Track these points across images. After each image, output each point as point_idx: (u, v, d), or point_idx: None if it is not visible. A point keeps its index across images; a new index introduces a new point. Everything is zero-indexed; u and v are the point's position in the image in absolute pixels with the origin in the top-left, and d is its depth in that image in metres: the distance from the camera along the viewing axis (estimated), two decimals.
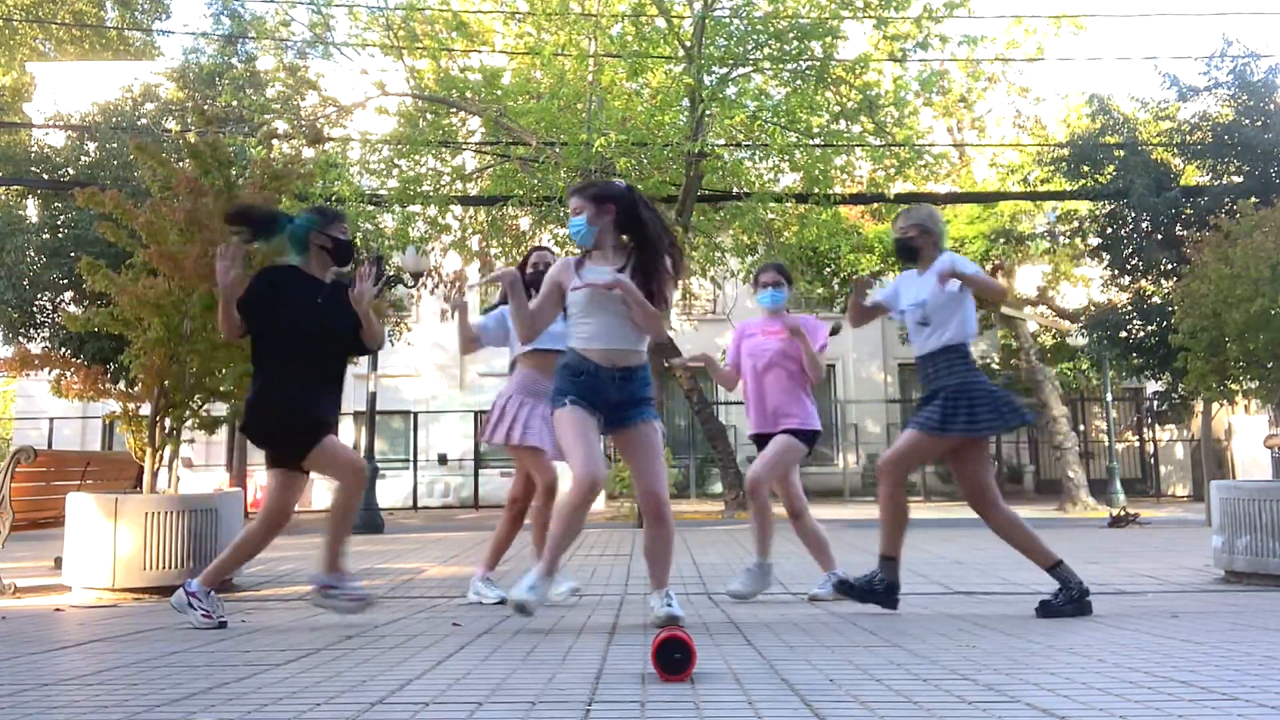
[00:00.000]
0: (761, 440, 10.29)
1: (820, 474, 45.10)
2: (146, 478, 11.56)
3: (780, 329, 10.18)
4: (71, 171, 31.43)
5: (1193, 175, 28.58)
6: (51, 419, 39.64)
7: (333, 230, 8.50)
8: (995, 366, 47.47)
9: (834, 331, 10.76)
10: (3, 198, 33.86)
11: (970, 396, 8.62)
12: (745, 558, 10.12)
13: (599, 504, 33.98)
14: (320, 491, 42.88)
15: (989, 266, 37.19)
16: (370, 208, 27.43)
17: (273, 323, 8.24)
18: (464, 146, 29.83)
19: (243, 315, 8.22)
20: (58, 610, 8.33)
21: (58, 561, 11.98)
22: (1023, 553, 8.60)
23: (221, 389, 12.40)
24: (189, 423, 11.92)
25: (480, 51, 28.93)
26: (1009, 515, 8.81)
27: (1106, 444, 39.15)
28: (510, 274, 7.77)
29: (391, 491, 37.87)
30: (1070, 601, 8.17)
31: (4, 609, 9.58)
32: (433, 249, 30.48)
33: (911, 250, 9.09)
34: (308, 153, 27.55)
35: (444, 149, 28.79)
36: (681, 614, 7.06)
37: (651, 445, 7.60)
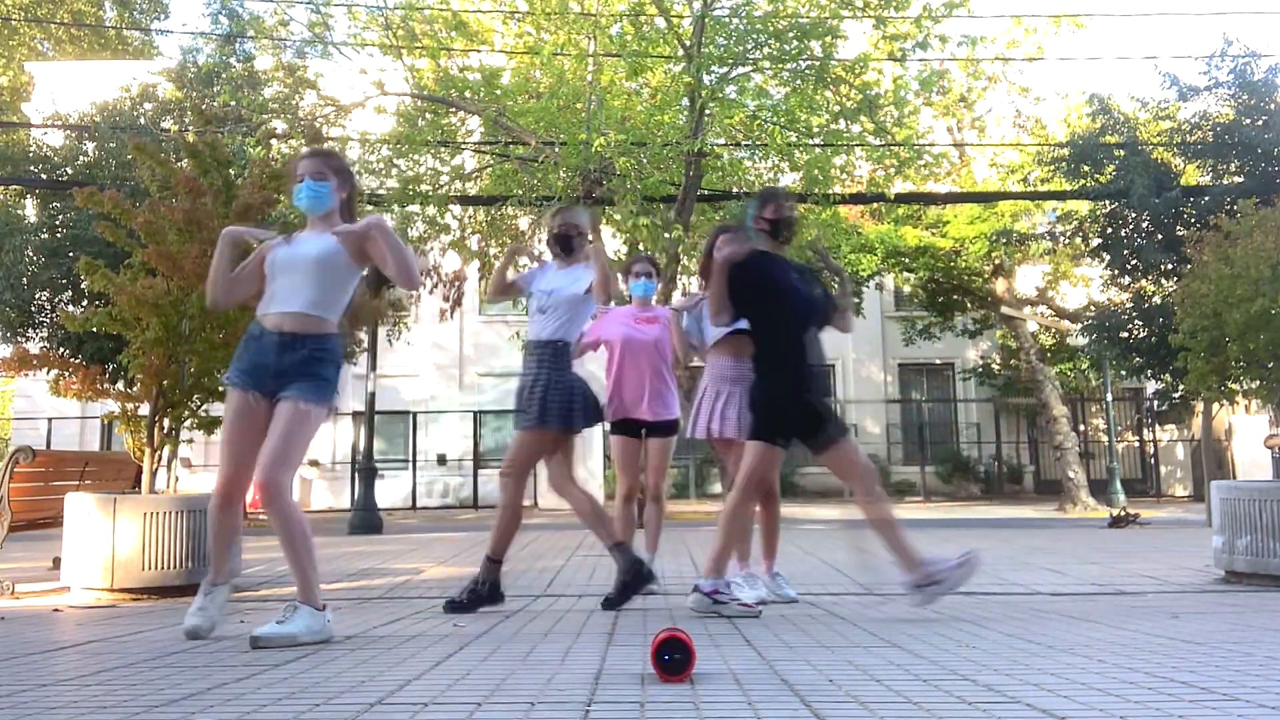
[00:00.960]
0: (625, 426, 10.56)
1: (821, 474, 45.00)
2: (145, 478, 11.57)
3: (654, 318, 10.58)
4: (70, 171, 31.48)
5: (1193, 175, 28.63)
6: (50, 419, 39.68)
7: (765, 212, 8.64)
8: (996, 367, 47.53)
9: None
10: (1, 197, 33.89)
11: (562, 392, 9.06)
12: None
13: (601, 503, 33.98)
14: (320, 493, 42.98)
15: (989, 267, 37.25)
16: (369, 207, 27.41)
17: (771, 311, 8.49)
18: (463, 146, 29.85)
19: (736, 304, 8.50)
20: (56, 610, 8.34)
21: (56, 562, 11.98)
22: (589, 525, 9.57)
23: (220, 389, 12.41)
24: (187, 423, 11.94)
25: (479, 51, 28.95)
26: (582, 495, 9.50)
27: (1106, 444, 39.19)
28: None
29: (390, 492, 37.86)
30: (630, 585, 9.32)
31: (2, 609, 9.58)
32: (431, 249, 30.49)
33: (568, 243, 9.40)
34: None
35: (443, 148, 28.82)
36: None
37: (278, 424, 7.47)
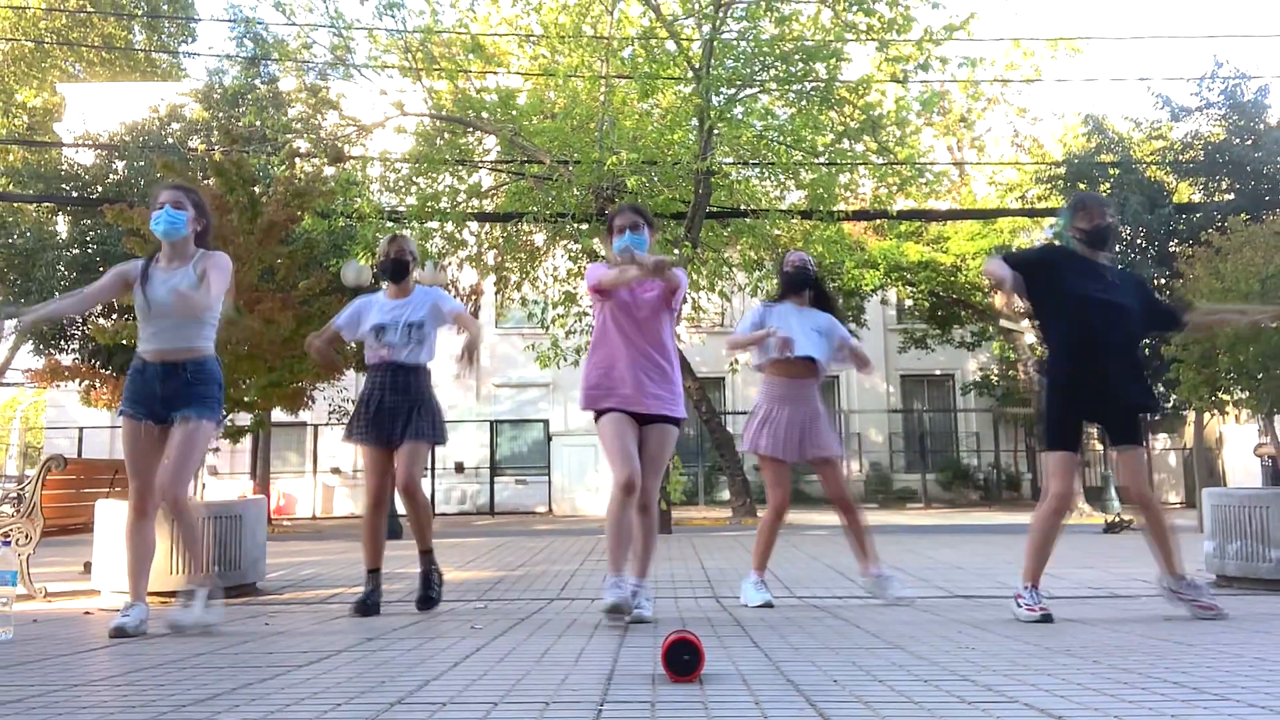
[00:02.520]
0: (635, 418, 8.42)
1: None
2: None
3: (646, 282, 8.42)
4: (100, 189, 31.59)
5: (1185, 193, 28.64)
6: (81, 428, 39.75)
7: (1079, 221, 8.45)
8: (994, 378, 47.50)
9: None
10: (34, 214, 33.96)
11: (433, 409, 9.48)
12: (751, 561, 10.06)
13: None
14: (341, 500, 43.00)
15: (988, 282, 37.19)
16: (389, 224, 27.44)
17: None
18: (480, 165, 29.86)
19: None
20: (87, 613, 8.35)
21: (87, 566, 11.98)
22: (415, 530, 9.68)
23: (245, 400, 12.45)
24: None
25: (496, 73, 28.95)
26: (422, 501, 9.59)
27: (1101, 452, 39.12)
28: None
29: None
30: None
31: (35, 612, 9.59)
32: (449, 264, 30.50)
33: (403, 269, 9.58)
34: (329, 171, 27.61)
35: (461, 167, 28.82)
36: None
37: (174, 443, 7.87)
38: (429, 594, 9.47)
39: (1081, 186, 28.37)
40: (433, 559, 9.69)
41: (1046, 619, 7.82)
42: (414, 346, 9.34)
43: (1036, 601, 8.00)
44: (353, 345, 22.43)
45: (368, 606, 9.21)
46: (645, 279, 8.09)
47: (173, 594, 10.45)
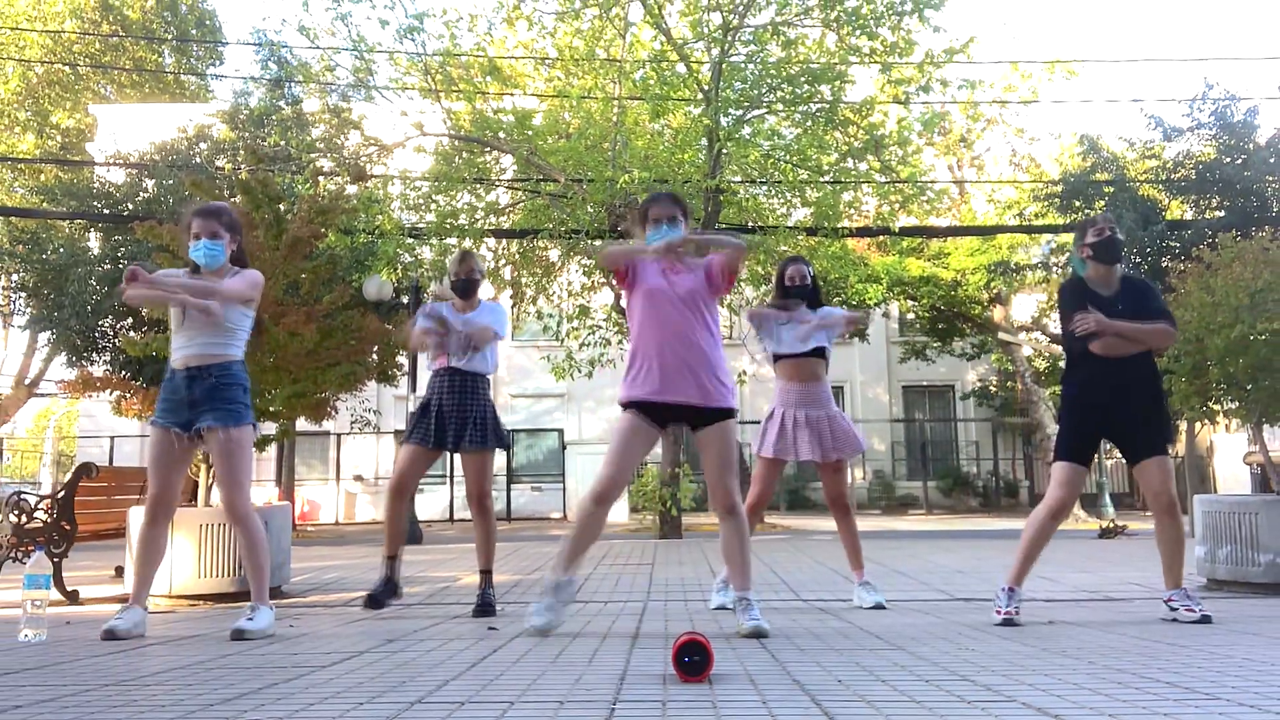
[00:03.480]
0: (654, 410, 7.70)
1: None
2: (201, 492, 11.60)
3: (681, 268, 7.82)
4: (131, 206, 31.64)
5: (1177, 210, 28.66)
6: (112, 437, 39.75)
7: (1086, 238, 8.47)
8: (993, 389, 47.52)
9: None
10: (67, 230, 34.03)
11: (491, 417, 9.59)
12: (757, 565, 10.07)
13: (622, 516, 34.00)
14: (364, 506, 43.04)
15: (988, 296, 37.24)
16: (410, 240, 27.48)
17: None
18: (497, 183, 29.85)
19: None
20: (119, 617, 8.35)
21: (119, 570, 12.00)
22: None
23: (271, 409, 12.43)
24: None
25: (512, 94, 28.94)
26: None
27: (1096, 460, 39.05)
28: None
29: (429, 505, 37.84)
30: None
31: (68, 615, 9.61)
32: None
33: (473, 287, 9.84)
34: (351, 189, 27.62)
35: (478, 185, 28.81)
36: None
37: (217, 457, 7.93)
38: (486, 602, 9.35)
39: (1077, 204, 28.42)
40: (490, 581, 9.59)
41: (1009, 623, 7.87)
42: (472, 354, 9.42)
43: (1006, 604, 8.02)
44: (374, 357, 22.40)
45: (378, 600, 9.38)
46: (665, 259, 7.69)
47: (199, 598, 10.51)
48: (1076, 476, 8.22)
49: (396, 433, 36.91)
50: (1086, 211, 27.89)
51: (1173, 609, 8.08)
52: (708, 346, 7.67)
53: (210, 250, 7.96)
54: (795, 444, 9.49)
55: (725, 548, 7.61)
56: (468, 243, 26.98)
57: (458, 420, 9.28)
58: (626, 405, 7.74)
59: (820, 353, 9.62)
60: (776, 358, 9.69)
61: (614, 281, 8.12)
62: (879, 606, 9.35)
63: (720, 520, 7.62)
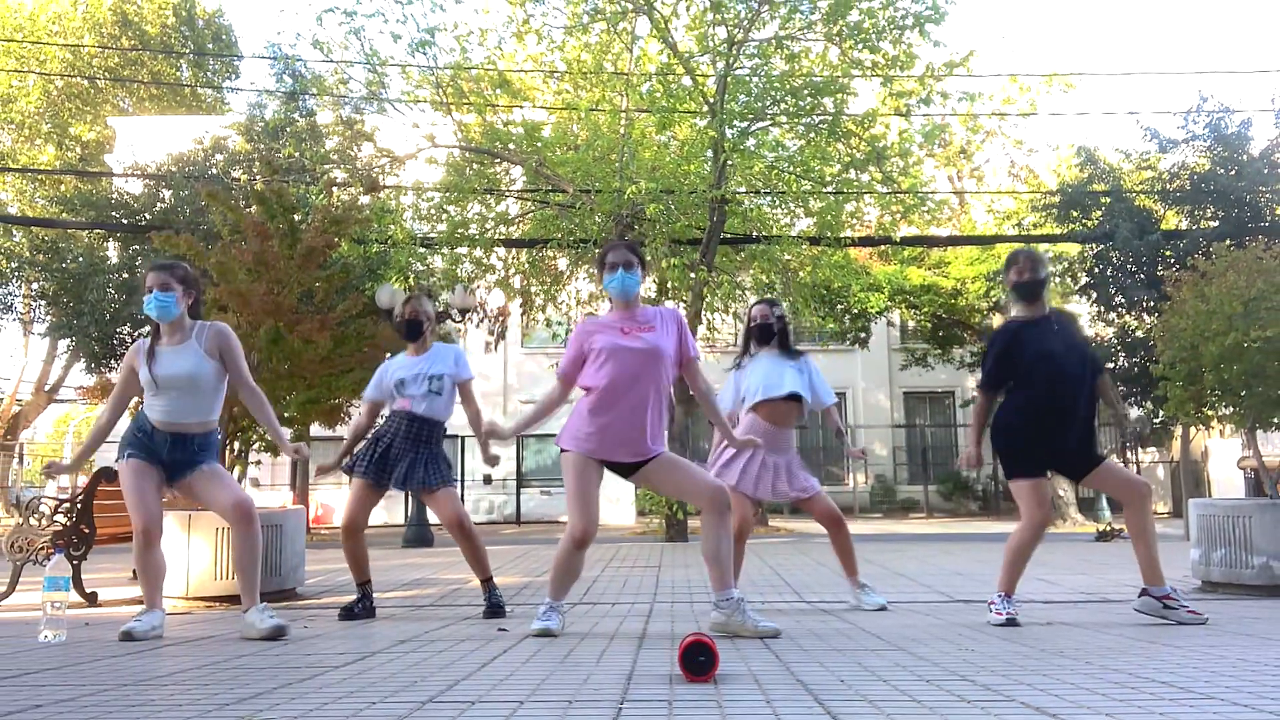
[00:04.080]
0: (618, 469, 7.76)
1: (831, 492, 44.92)
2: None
3: (648, 324, 7.69)
4: (148, 216, 31.73)
5: (1172, 220, 28.63)
6: None
7: (1010, 275, 8.54)
8: None
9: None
10: (86, 240, 34.07)
11: (441, 459, 9.50)
12: (761, 568, 10.05)
13: (629, 519, 34.00)
14: (376, 510, 43.02)
15: (987, 304, 37.26)
16: (421, 250, 27.50)
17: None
18: (507, 194, 29.86)
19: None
20: (137, 620, 8.35)
21: (136, 573, 12.01)
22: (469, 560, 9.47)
23: (286, 415, 12.46)
24: (255, 446, 12.00)
25: (522, 107, 28.95)
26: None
27: None
28: None
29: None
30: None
31: (87, 616, 9.63)
32: (478, 287, 30.54)
33: (417, 329, 9.56)
34: (364, 200, 27.66)
35: (489, 196, 28.83)
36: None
37: (211, 482, 8.02)
38: (497, 604, 9.32)
39: (1074, 214, 28.45)
40: (494, 586, 9.51)
41: (1012, 623, 7.85)
42: (433, 398, 9.32)
43: (1005, 608, 8.02)
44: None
45: (354, 612, 9.32)
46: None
47: (215, 600, 10.52)
48: (1045, 488, 8.28)
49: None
50: (1084, 221, 27.91)
51: (1169, 606, 8.06)
52: (656, 409, 7.59)
53: (161, 301, 7.98)
54: (758, 482, 9.46)
55: (710, 548, 7.57)
56: (476, 276, 27.06)
57: (408, 462, 9.24)
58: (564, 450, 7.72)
59: (797, 397, 9.58)
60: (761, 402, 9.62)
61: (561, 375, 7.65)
62: (881, 608, 9.33)
63: (712, 519, 7.51)
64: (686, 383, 8.03)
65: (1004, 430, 8.42)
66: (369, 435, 9.51)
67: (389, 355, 18.23)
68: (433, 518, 26.94)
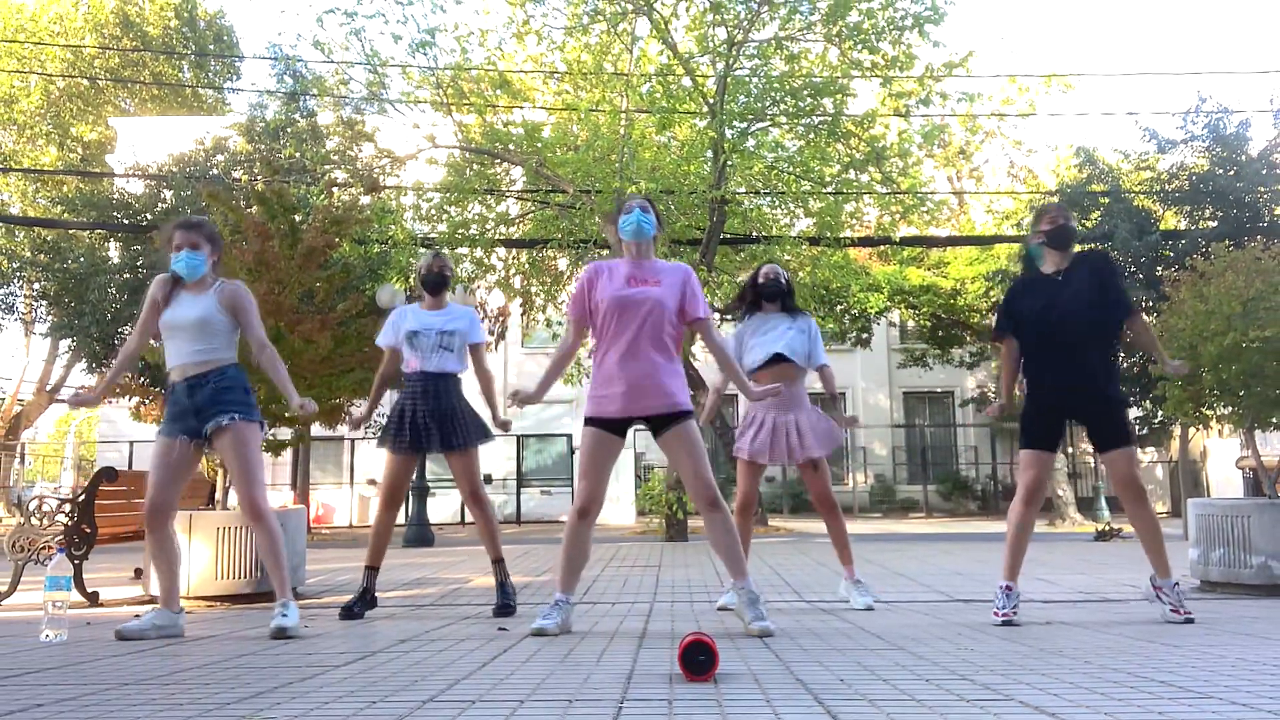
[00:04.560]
0: (611, 425, 7.74)
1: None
2: (218, 495, 11.61)
3: (655, 276, 7.74)
4: (150, 216, 31.72)
5: (1171, 220, 28.62)
6: (131, 442, 39.72)
7: (1041, 224, 8.59)
8: (991, 395, 47.56)
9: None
10: (88, 240, 34.09)
11: (467, 414, 9.48)
12: (760, 568, 10.05)
13: (629, 519, 34.02)
14: (377, 509, 43.03)
15: (987, 304, 37.27)
16: (422, 250, 27.49)
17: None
18: (507, 194, 29.85)
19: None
20: (137, 617, 8.34)
21: (137, 572, 12.00)
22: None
23: (286, 415, 12.44)
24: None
25: (522, 108, 28.93)
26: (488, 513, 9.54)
27: (1092, 465, 39.11)
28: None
29: (441, 508, 37.80)
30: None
31: (89, 616, 9.62)
32: (478, 287, 30.53)
33: (443, 283, 9.66)
34: (364, 200, 27.65)
35: (489, 196, 28.82)
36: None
37: (227, 455, 7.92)
38: (507, 603, 9.28)
39: (1073, 215, 28.45)
40: (505, 568, 9.53)
41: (1008, 623, 7.87)
42: (443, 353, 9.37)
43: (1004, 606, 8.02)
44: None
45: (353, 612, 9.23)
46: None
47: (216, 599, 10.52)
48: (1040, 459, 8.25)
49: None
50: (1083, 221, 27.91)
51: (1163, 599, 8.08)
52: (665, 357, 7.66)
53: (191, 260, 7.97)
54: (768, 447, 9.49)
55: (714, 543, 7.60)
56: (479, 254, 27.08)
57: (436, 422, 9.27)
58: (590, 421, 7.79)
59: (785, 358, 9.58)
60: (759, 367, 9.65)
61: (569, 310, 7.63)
62: (868, 608, 9.34)
63: (705, 516, 7.57)
64: (703, 342, 8.09)
65: (1024, 402, 8.55)
66: (393, 408, 9.51)
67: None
68: (433, 517, 26.87)
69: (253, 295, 8.25)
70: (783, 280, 9.90)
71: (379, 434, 9.58)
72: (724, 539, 7.54)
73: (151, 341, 8.23)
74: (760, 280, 9.90)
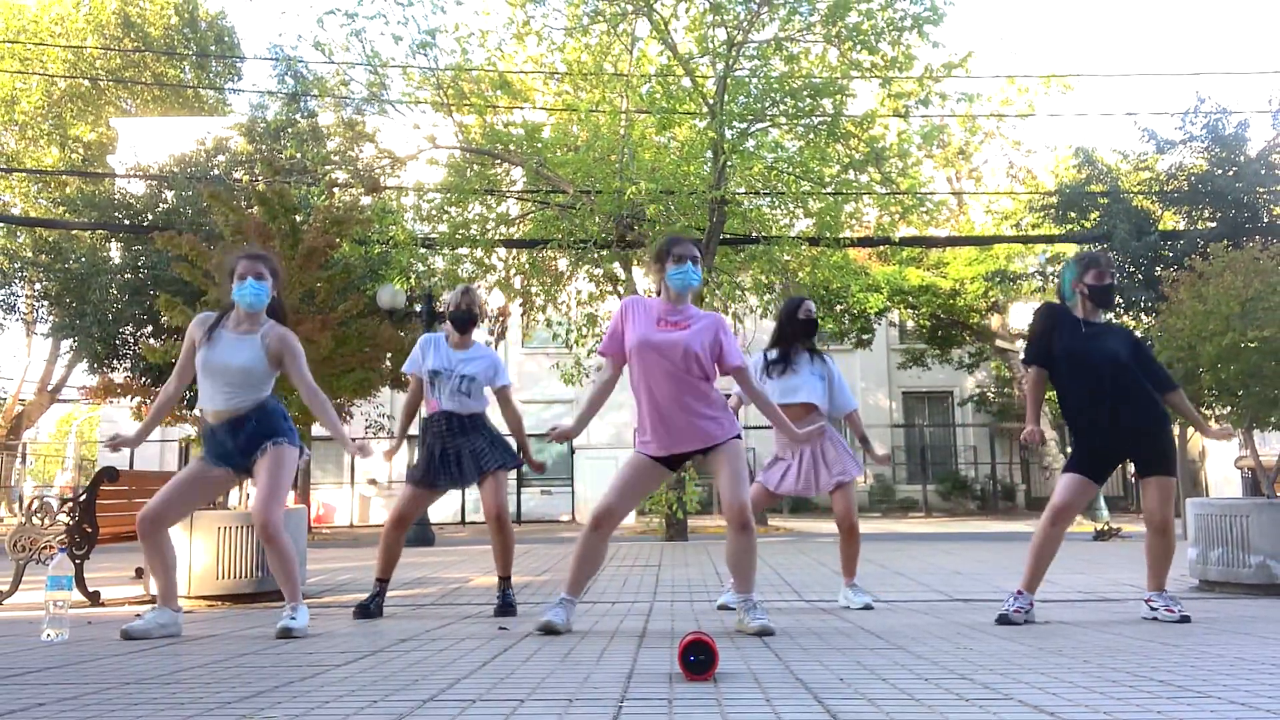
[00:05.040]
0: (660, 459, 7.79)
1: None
2: (219, 497, 11.60)
3: (684, 320, 7.71)
4: (151, 217, 31.71)
5: (1170, 221, 28.62)
6: None
7: (1087, 278, 8.43)
8: (991, 395, 47.57)
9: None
10: (89, 241, 34.08)
11: (494, 439, 9.61)
12: (760, 567, 10.06)
13: (629, 519, 34.03)
14: (377, 510, 43.00)
15: (986, 304, 37.28)
16: (422, 250, 27.48)
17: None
18: (507, 194, 29.83)
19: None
20: (138, 616, 8.34)
21: (139, 572, 11.99)
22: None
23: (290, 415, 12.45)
24: None
25: (522, 108, 28.92)
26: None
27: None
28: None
29: (442, 508, 37.78)
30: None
31: (90, 615, 9.63)
32: (479, 287, 30.51)
33: (471, 322, 9.65)
34: (365, 200, 27.65)
35: (489, 197, 28.79)
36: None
37: (262, 471, 7.88)
38: (508, 603, 9.33)
39: (1072, 215, 28.43)
40: (509, 585, 9.53)
41: (1004, 620, 7.93)
42: (462, 398, 9.37)
43: (1011, 605, 8.03)
44: (388, 364, 22.32)
45: (369, 610, 9.27)
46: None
47: (217, 599, 10.52)
48: (1083, 488, 8.25)
49: (410, 438, 36.94)
50: (1082, 222, 27.90)
51: (1152, 609, 8.13)
52: (699, 400, 7.59)
53: (256, 290, 7.94)
54: (795, 481, 9.55)
55: (732, 558, 7.59)
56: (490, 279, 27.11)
57: (466, 455, 9.29)
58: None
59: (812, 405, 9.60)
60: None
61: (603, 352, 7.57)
62: (867, 607, 9.39)
63: (732, 533, 7.50)
64: (743, 391, 8.18)
65: (1067, 423, 8.54)
66: (421, 449, 9.52)
67: (389, 355, 18.12)
68: (434, 516, 26.89)
69: (299, 341, 8.24)
70: (814, 316, 9.95)
71: (409, 471, 9.59)
72: (742, 559, 7.56)
73: (153, 342, 8.27)
74: (803, 317, 9.90)
